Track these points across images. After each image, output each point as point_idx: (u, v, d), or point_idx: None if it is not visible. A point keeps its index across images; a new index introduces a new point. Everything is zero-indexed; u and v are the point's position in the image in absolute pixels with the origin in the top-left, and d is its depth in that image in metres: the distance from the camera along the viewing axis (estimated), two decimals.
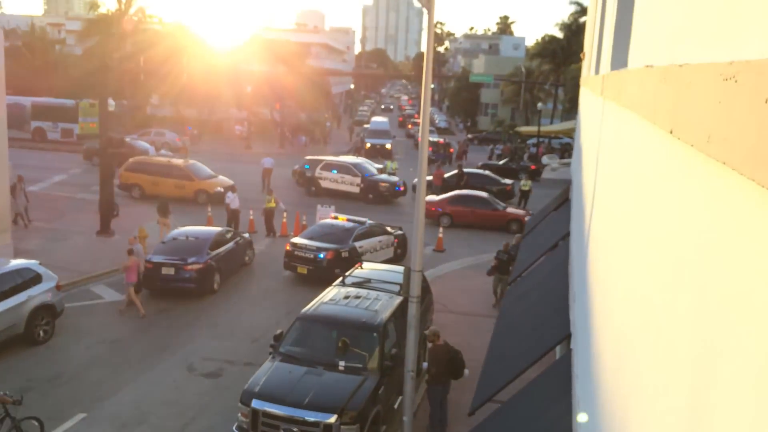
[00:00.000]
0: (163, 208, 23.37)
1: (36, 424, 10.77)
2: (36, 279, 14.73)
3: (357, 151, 46.82)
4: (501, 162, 42.84)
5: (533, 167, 40.90)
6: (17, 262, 15.12)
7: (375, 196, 30.82)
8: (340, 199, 29.94)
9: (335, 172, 31.43)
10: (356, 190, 30.97)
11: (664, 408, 2.49)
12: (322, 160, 32.63)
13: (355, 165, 32.17)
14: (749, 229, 1.66)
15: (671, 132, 2.57)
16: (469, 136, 64.54)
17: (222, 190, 28.47)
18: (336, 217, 21.66)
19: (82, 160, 36.95)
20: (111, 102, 23.97)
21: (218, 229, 20.17)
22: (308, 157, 34.14)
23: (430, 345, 11.89)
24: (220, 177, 30.36)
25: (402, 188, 31.79)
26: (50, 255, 19.04)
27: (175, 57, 47.46)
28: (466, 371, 11.73)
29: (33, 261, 15.45)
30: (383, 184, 31.25)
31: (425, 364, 11.92)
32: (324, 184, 31.52)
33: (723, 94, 1.89)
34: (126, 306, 16.65)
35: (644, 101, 3.53)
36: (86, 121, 43.76)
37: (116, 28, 43.43)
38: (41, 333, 14.51)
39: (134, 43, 48.67)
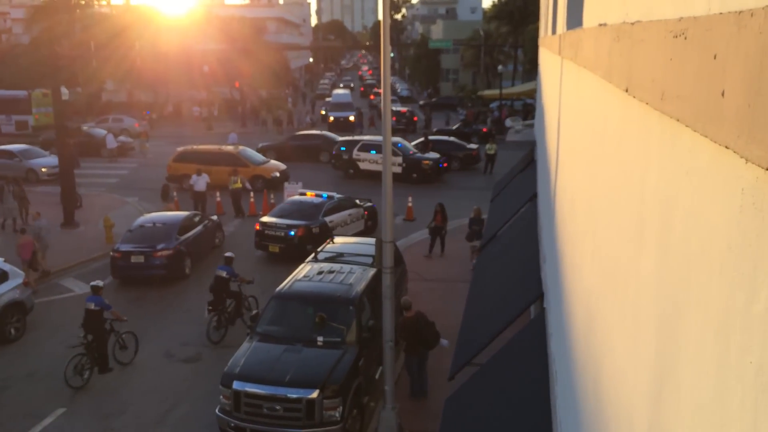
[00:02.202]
0: (165, 192, 23.42)
1: (255, 301, 15.12)
2: (2, 277, 14.45)
3: (279, 124, 46.72)
4: (454, 127, 42.99)
5: (485, 130, 41.10)
6: None
7: (419, 175, 29.18)
8: (381, 180, 28.95)
9: (374, 152, 29.71)
10: (398, 170, 29.05)
11: (633, 359, 2.56)
12: (358, 141, 31.13)
13: (395, 143, 30.36)
14: (704, 186, 1.71)
15: (627, 90, 2.60)
16: (421, 102, 63.81)
17: (278, 174, 27.98)
18: (304, 194, 21.58)
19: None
20: (64, 90, 23.47)
21: (186, 213, 19.95)
22: (341, 138, 32.33)
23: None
24: (272, 161, 29.86)
25: (445, 164, 30.52)
26: (15, 251, 18.63)
27: (126, 39, 46.30)
28: (444, 341, 11.80)
29: None
30: (426, 162, 29.61)
31: None
32: (363, 165, 30.12)
33: (674, 51, 1.92)
34: (35, 280, 17.01)
35: (600, 60, 3.57)
36: (40, 111, 42.64)
37: (64, 13, 42.06)
38: (12, 331, 14.29)
39: (83, 28, 47.34)
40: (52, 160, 31.05)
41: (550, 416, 5.64)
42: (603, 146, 3.68)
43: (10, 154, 30.14)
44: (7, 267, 14.76)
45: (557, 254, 6.44)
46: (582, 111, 5.10)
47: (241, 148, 30.07)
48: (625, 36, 2.76)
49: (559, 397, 5.30)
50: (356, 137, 32.97)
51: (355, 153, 30.41)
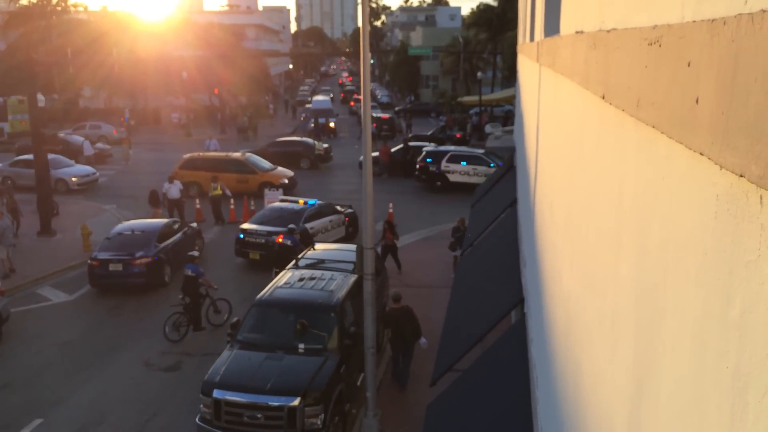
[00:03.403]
0: (154, 198, 23.19)
1: None
2: None
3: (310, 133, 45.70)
4: (429, 133, 43.20)
5: (458, 136, 41.40)
6: None
7: None
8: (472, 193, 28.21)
9: (464, 163, 28.68)
10: None
11: (613, 364, 2.58)
12: (446, 152, 29.87)
13: (487, 154, 29.58)
14: (680, 192, 1.72)
15: (603, 97, 2.62)
16: (396, 109, 63.96)
17: (287, 181, 27.70)
18: (284, 201, 21.53)
19: None
20: (40, 97, 23.12)
21: (165, 220, 19.78)
22: (428, 149, 30.86)
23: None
24: (279, 168, 29.45)
25: None
26: None
27: (104, 46, 45.90)
28: (423, 341, 12.17)
29: None
30: None
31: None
32: (453, 177, 28.74)
33: (649, 59, 1.94)
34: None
35: (576, 67, 3.60)
36: (16, 118, 42.10)
37: (40, 19, 41.58)
38: None
39: (60, 35, 46.85)
40: (82, 169, 30.27)
41: (531, 421, 5.66)
42: (581, 152, 3.71)
43: None
44: None
45: (537, 259, 6.48)
46: (560, 117, 5.14)
47: (248, 154, 29.65)
48: (601, 43, 2.79)
49: (540, 401, 5.32)
50: (443, 148, 31.74)
51: (444, 164, 29.08)
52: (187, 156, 29.27)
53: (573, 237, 3.97)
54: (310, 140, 37.37)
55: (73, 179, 28.98)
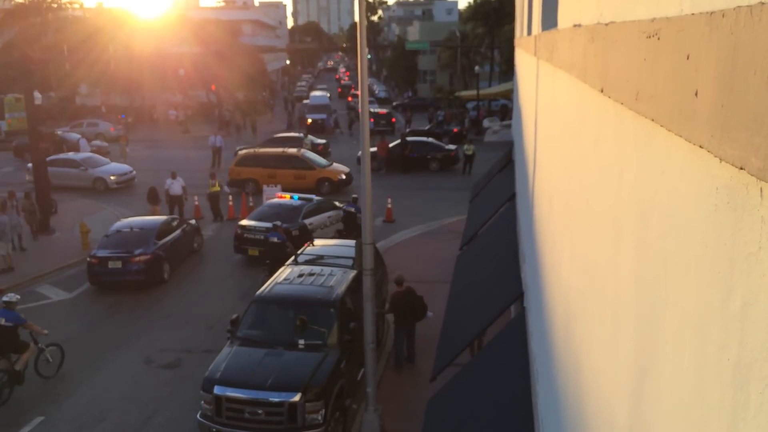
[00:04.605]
0: (153, 195, 23.19)
1: None
2: None
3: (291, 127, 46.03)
4: (426, 128, 43.19)
5: (455, 131, 41.42)
6: None
7: None
8: None
9: None
10: None
11: (612, 358, 2.58)
12: None
13: None
14: (679, 185, 1.72)
15: (602, 91, 2.62)
16: (395, 104, 64.04)
17: (344, 177, 27.56)
18: (282, 197, 21.52)
19: (13, 158, 35.52)
20: (37, 95, 23.03)
21: (164, 217, 19.77)
22: None
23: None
24: (335, 164, 29.07)
25: None
26: None
27: (99, 43, 45.80)
28: (429, 313, 13.02)
29: None
30: None
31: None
32: None
33: (647, 52, 1.94)
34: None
35: (575, 61, 3.59)
36: (13, 116, 41.93)
37: (35, 16, 41.56)
38: None
39: (56, 31, 46.77)
40: (119, 167, 30.02)
41: (532, 415, 5.67)
42: (580, 146, 3.71)
43: (74, 163, 28.73)
44: None
45: (536, 254, 6.48)
46: (558, 111, 5.13)
47: (303, 150, 29.28)
48: (599, 37, 2.79)
49: (540, 395, 5.33)
50: None
51: None
52: (242, 153, 28.97)
53: (572, 230, 3.97)
54: (309, 136, 37.32)
55: (112, 177, 28.84)
